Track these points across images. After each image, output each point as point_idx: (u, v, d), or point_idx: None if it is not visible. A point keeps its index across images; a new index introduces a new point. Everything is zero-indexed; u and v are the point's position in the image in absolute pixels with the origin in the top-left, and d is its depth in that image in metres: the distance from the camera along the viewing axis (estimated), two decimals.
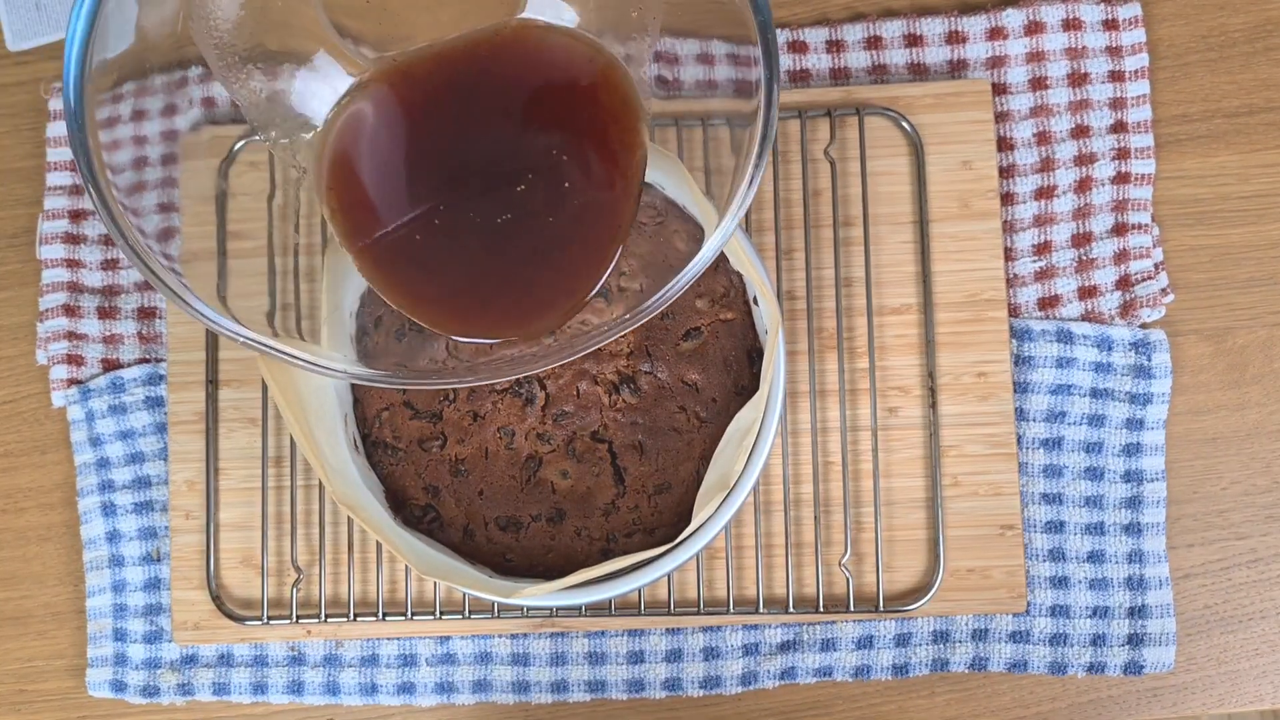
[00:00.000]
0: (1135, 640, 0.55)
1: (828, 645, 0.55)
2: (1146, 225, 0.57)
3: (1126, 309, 0.56)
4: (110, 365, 0.58)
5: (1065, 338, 0.56)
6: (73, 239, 0.59)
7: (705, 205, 0.47)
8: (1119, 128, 0.57)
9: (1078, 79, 0.57)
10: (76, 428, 0.58)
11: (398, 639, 0.56)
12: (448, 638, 0.56)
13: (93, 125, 0.39)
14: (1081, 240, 0.57)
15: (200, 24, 0.42)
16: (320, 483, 0.56)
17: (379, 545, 0.55)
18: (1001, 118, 0.57)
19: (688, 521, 0.50)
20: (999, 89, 0.57)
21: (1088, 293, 0.56)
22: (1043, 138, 0.57)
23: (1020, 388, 0.56)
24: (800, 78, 0.58)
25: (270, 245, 0.55)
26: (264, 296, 0.54)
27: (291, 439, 0.56)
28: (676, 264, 0.49)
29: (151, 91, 0.43)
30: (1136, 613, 0.55)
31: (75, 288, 0.58)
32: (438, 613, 0.55)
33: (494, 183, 0.44)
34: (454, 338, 0.48)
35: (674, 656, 0.56)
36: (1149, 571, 0.55)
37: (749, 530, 0.55)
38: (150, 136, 0.43)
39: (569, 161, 0.44)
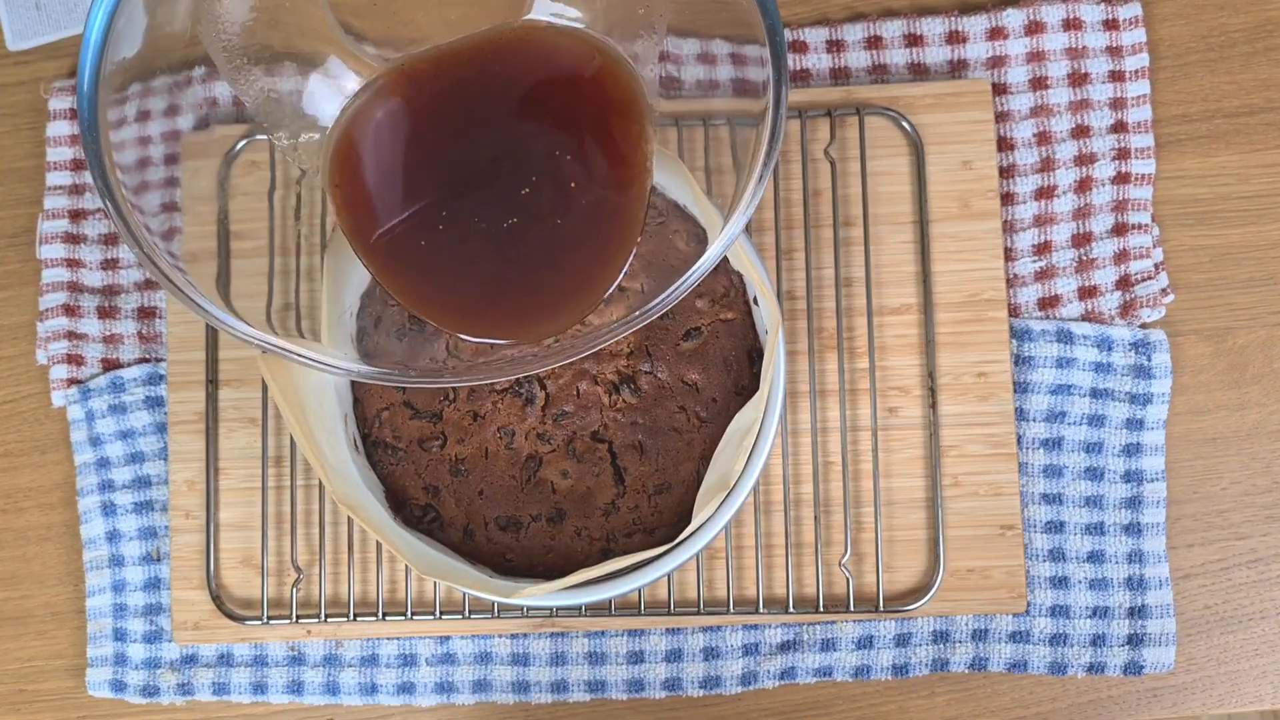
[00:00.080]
0: (1135, 640, 0.55)
1: (828, 645, 0.55)
2: (1146, 225, 0.56)
3: (1126, 309, 0.56)
4: (110, 365, 0.58)
5: (1065, 338, 0.56)
6: (73, 239, 0.59)
7: (707, 206, 0.47)
8: (1119, 128, 0.57)
9: (1078, 79, 0.57)
10: (76, 427, 0.58)
11: (398, 639, 0.56)
12: (448, 638, 0.56)
13: (105, 128, 0.39)
14: (1081, 240, 0.57)
15: (210, 27, 0.42)
16: (320, 483, 0.56)
17: (379, 545, 0.55)
18: (1002, 118, 0.57)
19: (688, 521, 0.50)
20: (999, 89, 0.57)
21: (1088, 293, 0.56)
22: (1043, 138, 0.57)
23: (1020, 388, 0.56)
24: (800, 77, 0.58)
25: (271, 245, 0.55)
26: (265, 296, 0.54)
27: (291, 439, 0.56)
28: (678, 264, 0.49)
29: (156, 92, 0.43)
30: (1136, 613, 0.55)
31: (75, 287, 0.58)
32: (438, 613, 0.55)
33: (501, 183, 0.44)
34: (461, 336, 0.48)
35: (674, 656, 0.55)
36: (1149, 572, 0.55)
37: (749, 530, 0.55)
38: (154, 137, 0.43)
39: (575, 162, 0.44)
